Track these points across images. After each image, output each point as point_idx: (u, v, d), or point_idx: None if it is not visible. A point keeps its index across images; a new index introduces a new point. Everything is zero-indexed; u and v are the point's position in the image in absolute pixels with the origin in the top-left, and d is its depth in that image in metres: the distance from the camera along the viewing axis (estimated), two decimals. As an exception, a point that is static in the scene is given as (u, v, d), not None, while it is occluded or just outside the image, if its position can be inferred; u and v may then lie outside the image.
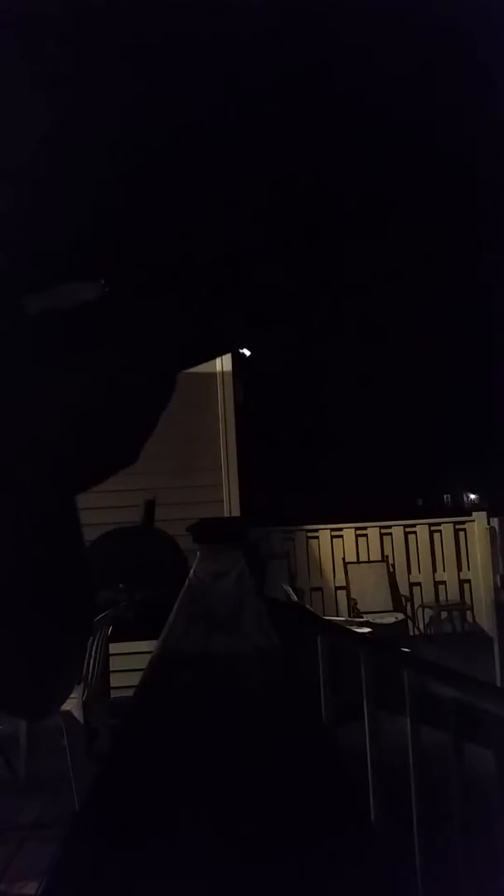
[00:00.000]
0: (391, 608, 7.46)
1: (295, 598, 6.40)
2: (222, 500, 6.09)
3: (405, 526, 8.10)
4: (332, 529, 8.00)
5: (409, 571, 7.95)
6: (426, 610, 7.83)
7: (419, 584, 7.92)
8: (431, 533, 8.05)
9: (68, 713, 3.44)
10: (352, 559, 7.88)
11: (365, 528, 8.05)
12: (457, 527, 8.07)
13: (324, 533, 7.98)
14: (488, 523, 7.70)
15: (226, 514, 5.90)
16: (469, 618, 7.74)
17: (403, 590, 7.84)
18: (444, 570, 7.96)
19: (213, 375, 6.25)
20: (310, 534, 7.94)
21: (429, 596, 7.86)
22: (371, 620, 6.52)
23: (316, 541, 7.95)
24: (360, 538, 8.03)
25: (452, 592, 7.88)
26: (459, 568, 7.97)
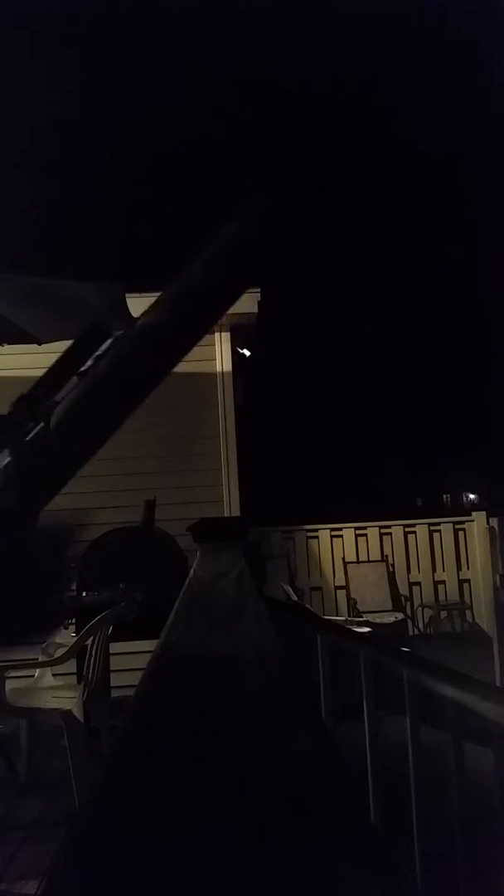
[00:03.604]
0: (391, 608, 7.46)
1: (295, 597, 6.40)
2: (222, 500, 6.09)
3: (405, 526, 8.10)
4: (331, 529, 8.00)
5: (409, 571, 7.95)
6: (426, 610, 7.83)
7: (419, 583, 7.92)
8: (431, 533, 8.05)
9: (68, 713, 3.44)
10: (351, 559, 7.88)
11: (365, 528, 8.05)
12: (456, 527, 8.07)
13: (323, 533, 7.98)
14: (488, 523, 7.70)
15: (226, 514, 5.90)
16: (469, 617, 7.74)
17: (403, 589, 7.84)
18: (443, 570, 7.96)
19: (213, 376, 6.25)
20: (310, 533, 7.94)
21: (428, 596, 7.86)
22: (371, 620, 6.52)
23: (316, 540, 7.94)
24: (359, 538, 8.03)
25: (452, 592, 7.88)
26: (459, 568, 7.97)
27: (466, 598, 7.88)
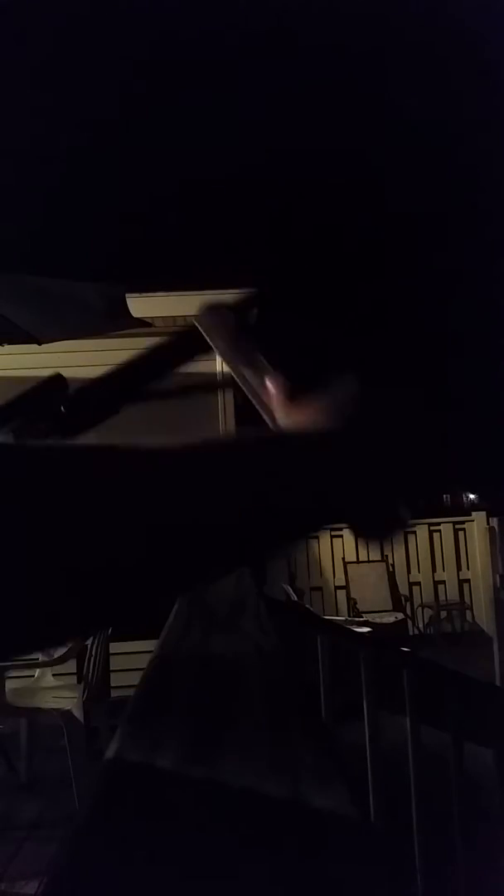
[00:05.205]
0: (391, 608, 7.46)
1: (295, 598, 6.40)
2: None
3: (405, 526, 8.09)
4: (331, 529, 7.99)
5: (409, 571, 7.95)
6: (426, 610, 7.83)
7: (419, 583, 7.93)
8: (431, 533, 8.05)
9: (68, 713, 3.44)
10: (351, 559, 7.88)
11: (365, 528, 8.04)
12: (456, 526, 8.07)
13: (324, 533, 7.97)
14: (488, 523, 7.70)
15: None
16: (469, 617, 7.74)
17: (403, 589, 7.85)
18: (443, 570, 7.96)
19: (212, 376, 6.25)
20: (309, 533, 7.94)
21: (428, 595, 7.86)
22: (371, 620, 6.52)
23: (316, 541, 7.94)
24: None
25: (452, 592, 7.89)
26: (459, 567, 7.97)
27: (466, 598, 7.88)
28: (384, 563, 7.84)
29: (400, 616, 7.27)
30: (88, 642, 3.70)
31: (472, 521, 7.99)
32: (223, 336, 0.60)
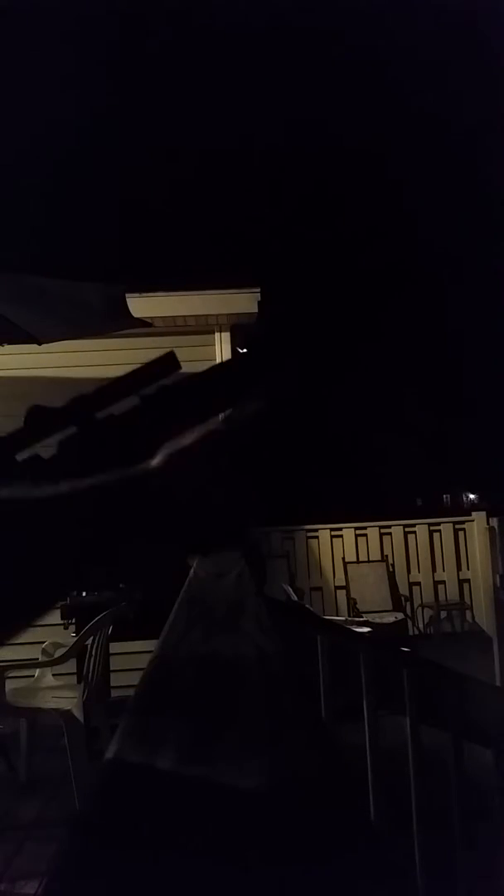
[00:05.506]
0: (391, 608, 7.46)
1: (295, 597, 6.40)
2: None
3: (405, 526, 8.09)
4: (331, 529, 8.00)
5: (409, 571, 7.95)
6: (426, 609, 7.83)
7: (419, 583, 7.92)
8: (431, 533, 8.05)
9: (68, 713, 3.44)
10: (351, 559, 7.88)
11: (365, 528, 8.05)
12: (456, 526, 8.07)
13: (324, 533, 7.98)
14: (488, 523, 7.70)
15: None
16: (469, 617, 7.74)
17: (403, 589, 7.84)
18: (443, 570, 7.96)
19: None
20: (310, 534, 7.94)
21: (428, 595, 7.86)
22: (371, 620, 6.52)
23: (316, 540, 7.94)
24: (359, 538, 8.03)
25: (452, 592, 7.88)
26: (459, 568, 7.97)
27: (466, 598, 7.88)
28: (384, 563, 7.84)
29: (400, 616, 7.27)
30: (88, 642, 3.70)
31: (472, 521, 7.99)
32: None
